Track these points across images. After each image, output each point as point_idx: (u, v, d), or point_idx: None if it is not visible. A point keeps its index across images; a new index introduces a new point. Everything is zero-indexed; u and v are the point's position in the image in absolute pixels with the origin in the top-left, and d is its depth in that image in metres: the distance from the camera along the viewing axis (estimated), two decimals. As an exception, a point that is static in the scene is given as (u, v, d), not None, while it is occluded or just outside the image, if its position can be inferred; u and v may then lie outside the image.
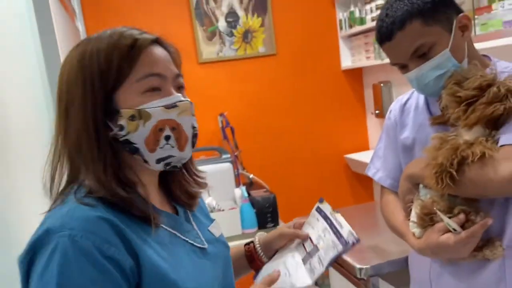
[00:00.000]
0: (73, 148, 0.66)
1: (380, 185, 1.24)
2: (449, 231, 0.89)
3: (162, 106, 0.67)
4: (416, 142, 1.11)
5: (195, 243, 0.75)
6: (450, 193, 0.89)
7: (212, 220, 0.85)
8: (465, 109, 0.88)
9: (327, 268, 0.81)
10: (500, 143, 0.86)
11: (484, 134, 0.89)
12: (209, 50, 2.57)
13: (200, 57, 2.56)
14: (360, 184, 2.86)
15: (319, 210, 0.89)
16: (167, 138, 0.67)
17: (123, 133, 0.66)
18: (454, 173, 0.85)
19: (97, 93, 0.65)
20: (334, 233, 0.82)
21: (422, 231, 0.96)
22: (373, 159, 1.25)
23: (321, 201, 0.91)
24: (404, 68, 1.01)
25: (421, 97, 1.13)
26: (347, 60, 2.76)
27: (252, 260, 0.93)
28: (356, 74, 2.80)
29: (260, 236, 0.95)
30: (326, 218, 0.85)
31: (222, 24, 2.57)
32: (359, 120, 2.85)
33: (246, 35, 2.60)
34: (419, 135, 1.10)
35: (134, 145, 0.67)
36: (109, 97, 0.66)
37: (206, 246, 0.76)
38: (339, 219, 0.83)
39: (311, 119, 2.75)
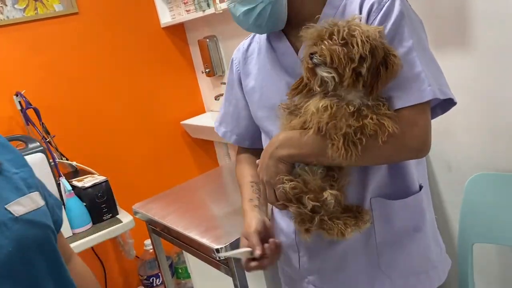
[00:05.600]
0: None
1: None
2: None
3: None
4: (263, 87, 0.98)
5: None
6: (351, 164, 0.81)
7: (25, 194, 0.74)
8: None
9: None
10: (397, 105, 0.78)
11: (364, 92, 0.78)
12: (-17, 13, 1.96)
13: (-28, 22, 1.94)
14: (203, 150, 2.67)
15: None
16: None
17: None
18: (358, 143, 0.76)
19: None
20: None
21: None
22: (219, 113, 1.13)
23: None
24: None
25: (263, 38, 1.00)
26: (166, 15, 2.46)
27: None
28: (178, 31, 2.52)
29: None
30: None
31: (-4, -22, 1.97)
32: (190, 81, 2.61)
33: (34, -9, 2.06)
34: (267, 82, 0.97)
35: None
36: None
37: None
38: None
39: (136, 87, 2.40)
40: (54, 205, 0.81)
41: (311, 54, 0.75)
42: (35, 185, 0.78)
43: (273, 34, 0.96)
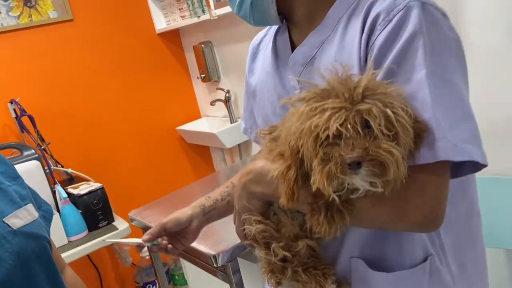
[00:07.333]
0: None
1: None
2: None
3: None
4: (260, 92, 0.85)
5: None
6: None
7: (20, 206, 0.74)
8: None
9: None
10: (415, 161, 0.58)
11: None
12: (-23, 20, 1.95)
13: (-34, 30, 1.93)
14: (199, 155, 2.67)
15: None
16: None
17: None
18: (346, 214, 0.59)
19: None
20: None
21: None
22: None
23: None
24: None
25: (273, 30, 0.86)
26: (161, 21, 2.46)
27: None
28: (173, 37, 2.52)
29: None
30: None
31: (-11, -15, 1.97)
32: (186, 87, 2.61)
33: (28, -2, 2.06)
34: (263, 86, 0.84)
35: None
36: None
37: None
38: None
39: (131, 93, 2.39)
40: (42, 217, 0.81)
41: (356, 160, 0.50)
42: (28, 196, 0.78)
43: (282, 28, 0.82)
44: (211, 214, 0.97)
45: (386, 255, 0.70)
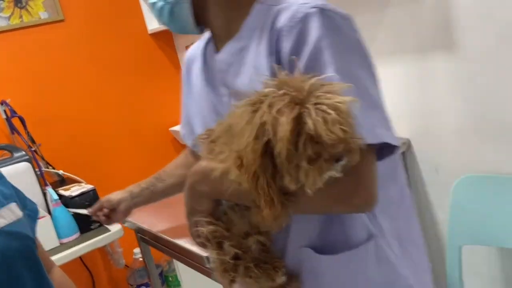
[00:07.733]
0: None
1: None
2: None
3: None
4: (197, 101, 0.89)
5: None
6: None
7: (3, 205, 0.75)
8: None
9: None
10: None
11: None
12: (-33, 21, 1.93)
13: (-44, 30, 1.91)
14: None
15: None
16: None
17: None
18: (290, 206, 0.62)
19: None
20: None
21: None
22: None
23: None
24: None
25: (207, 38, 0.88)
26: (153, 22, 2.45)
27: None
28: (166, 37, 2.51)
29: None
30: None
31: (-21, -15, 1.95)
32: (179, 87, 2.56)
33: (19, -2, 2.04)
34: (200, 95, 0.87)
35: None
36: None
37: None
38: None
39: (123, 94, 2.38)
40: (26, 216, 0.80)
41: (342, 153, 0.56)
42: (11, 196, 0.78)
43: (210, 38, 0.86)
44: (137, 200, 1.19)
45: (332, 240, 0.74)
